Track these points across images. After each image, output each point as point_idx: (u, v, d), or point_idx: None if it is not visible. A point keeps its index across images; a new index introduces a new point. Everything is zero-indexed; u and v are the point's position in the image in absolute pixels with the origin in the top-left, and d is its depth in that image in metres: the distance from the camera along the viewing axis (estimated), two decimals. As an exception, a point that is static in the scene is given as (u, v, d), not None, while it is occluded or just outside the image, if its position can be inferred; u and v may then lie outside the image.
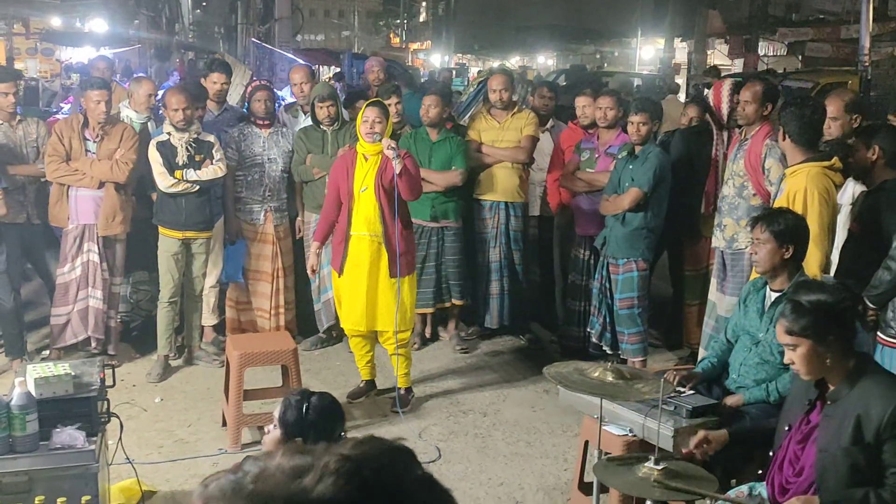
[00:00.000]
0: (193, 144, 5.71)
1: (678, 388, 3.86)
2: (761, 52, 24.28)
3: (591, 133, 6.28)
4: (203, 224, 5.87)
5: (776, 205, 4.39)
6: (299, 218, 6.42)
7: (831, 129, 4.73)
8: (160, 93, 6.43)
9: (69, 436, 3.46)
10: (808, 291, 3.01)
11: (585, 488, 4.14)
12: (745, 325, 3.98)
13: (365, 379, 5.58)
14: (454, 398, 5.66)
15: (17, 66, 17.73)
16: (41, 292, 6.83)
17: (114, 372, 3.89)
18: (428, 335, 6.66)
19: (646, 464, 3.09)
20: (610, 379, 3.34)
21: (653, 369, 5.18)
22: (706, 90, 12.10)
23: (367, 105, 5.24)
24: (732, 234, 5.23)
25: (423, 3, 53.04)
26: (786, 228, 3.76)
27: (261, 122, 6.20)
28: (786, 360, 3.03)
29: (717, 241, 5.35)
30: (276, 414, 2.94)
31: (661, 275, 6.84)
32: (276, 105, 6.61)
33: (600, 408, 3.48)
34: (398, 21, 53.85)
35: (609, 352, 5.78)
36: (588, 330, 5.98)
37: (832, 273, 4.38)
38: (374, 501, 0.91)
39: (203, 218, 5.85)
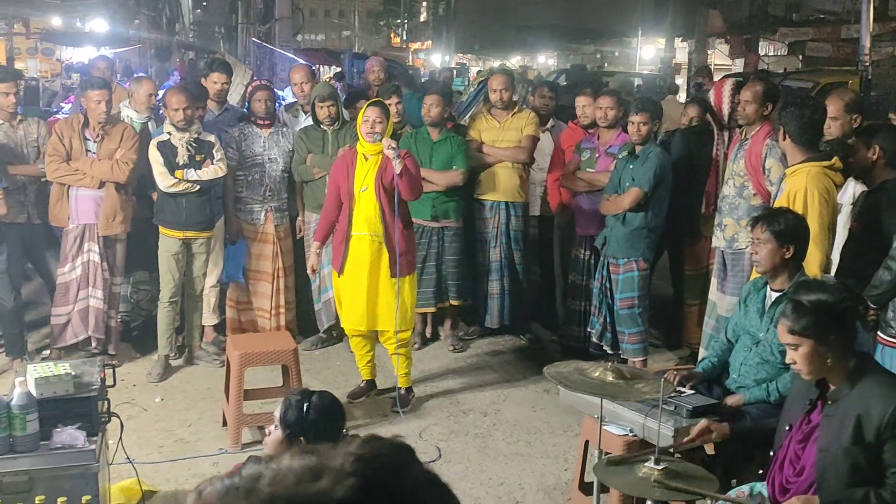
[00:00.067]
0: (194, 144, 5.71)
1: (678, 388, 3.86)
2: (762, 51, 24.27)
3: (591, 133, 6.28)
4: (203, 224, 5.87)
5: (776, 204, 4.39)
6: (300, 218, 6.42)
7: (831, 129, 4.73)
8: (161, 93, 6.43)
9: (69, 435, 3.46)
10: (809, 291, 3.01)
11: (586, 488, 4.14)
12: (746, 324, 3.98)
13: (365, 379, 5.58)
14: (454, 398, 5.66)
15: (18, 65, 17.72)
16: (41, 292, 6.83)
17: (114, 372, 3.89)
18: (428, 335, 6.66)
19: (646, 464, 3.09)
20: (610, 379, 3.34)
21: (653, 369, 5.18)
22: (697, 91, 12.12)
23: (368, 105, 5.24)
24: (733, 233, 5.23)
25: (424, 3, 53.06)
26: (786, 228, 3.76)
27: (261, 122, 6.21)
28: (787, 360, 3.03)
29: (718, 240, 5.34)
30: (277, 414, 2.94)
31: (662, 275, 6.84)
32: (277, 105, 6.62)
33: (601, 408, 3.48)
34: (399, 21, 53.85)
35: (609, 352, 5.78)
36: (588, 330, 5.98)
37: (832, 273, 4.38)
38: (390, 500, 0.92)
39: (203, 218, 5.86)
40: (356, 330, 5.36)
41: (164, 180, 5.66)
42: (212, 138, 5.83)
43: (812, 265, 4.08)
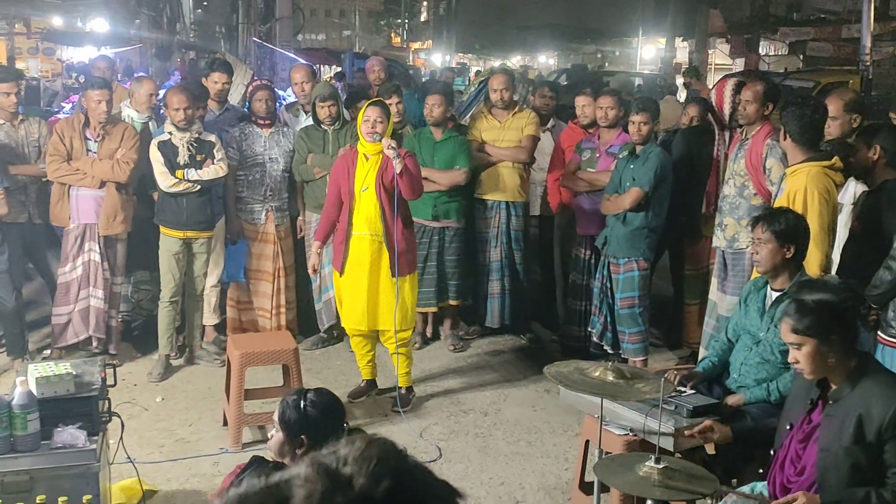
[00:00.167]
0: (195, 144, 5.72)
1: (679, 388, 3.86)
2: (762, 51, 24.29)
3: (591, 133, 6.28)
4: (204, 224, 5.87)
5: (776, 204, 4.39)
6: (300, 217, 6.43)
7: (831, 129, 4.73)
8: (161, 92, 6.43)
9: (70, 435, 3.46)
10: (812, 290, 3.02)
11: (586, 488, 4.14)
12: (746, 324, 3.98)
13: (366, 378, 5.58)
14: (455, 397, 5.66)
15: (19, 65, 17.72)
16: (42, 292, 6.83)
17: (115, 371, 3.89)
18: (429, 335, 6.66)
19: (646, 463, 3.09)
20: (611, 378, 3.34)
21: (653, 369, 5.18)
22: (687, 91, 12.12)
23: (368, 105, 5.24)
24: (733, 233, 5.23)
25: (425, 3, 53.05)
26: (787, 228, 3.76)
27: (262, 122, 6.21)
28: (790, 360, 3.03)
29: (718, 240, 5.34)
30: (276, 416, 2.95)
31: (662, 274, 6.84)
32: (277, 104, 6.62)
33: (601, 407, 3.48)
34: (399, 20, 53.86)
35: (610, 351, 5.78)
36: (589, 329, 5.98)
37: (833, 273, 4.38)
38: (408, 496, 0.97)
39: (204, 217, 5.86)
40: (357, 329, 5.36)
41: (164, 180, 5.67)
42: (212, 138, 5.83)
43: (812, 265, 4.08)
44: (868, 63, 16.52)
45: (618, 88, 8.87)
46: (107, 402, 3.72)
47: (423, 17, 54.34)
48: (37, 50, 21.06)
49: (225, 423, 5.03)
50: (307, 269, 5.71)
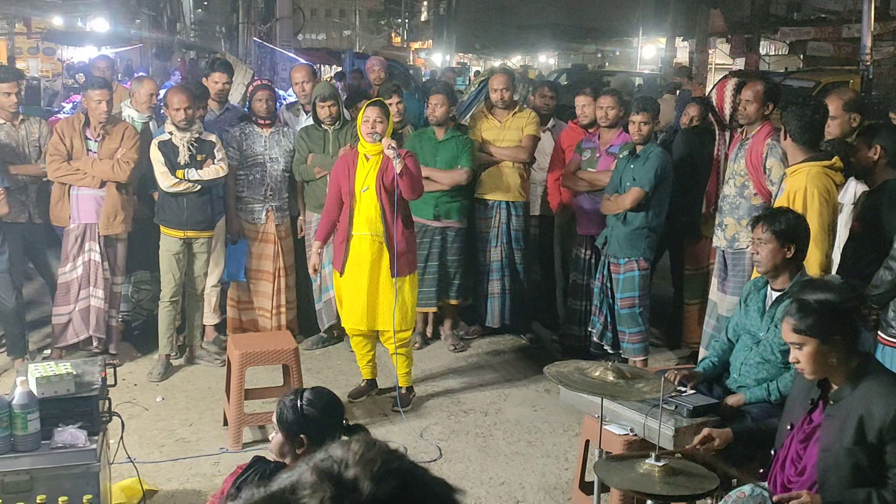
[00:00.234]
0: (195, 144, 5.72)
1: (679, 388, 3.86)
2: (763, 51, 24.27)
3: (591, 132, 6.28)
4: (204, 223, 5.87)
5: (776, 204, 4.39)
6: (301, 217, 6.43)
7: (830, 128, 4.72)
8: (162, 92, 6.44)
9: (71, 435, 3.46)
10: (814, 290, 3.01)
11: (586, 487, 4.14)
12: (746, 324, 3.98)
13: (366, 378, 5.58)
14: (455, 397, 5.66)
15: (19, 65, 17.72)
16: (43, 292, 6.84)
17: (115, 371, 3.90)
18: (429, 334, 6.66)
19: (646, 461, 3.09)
20: (611, 378, 3.34)
21: (654, 369, 5.17)
22: (678, 91, 12.12)
23: (368, 105, 5.24)
24: (733, 233, 5.23)
25: (425, 3, 53.01)
26: (787, 228, 3.76)
27: (262, 122, 6.21)
28: (791, 359, 3.03)
29: (718, 240, 5.34)
30: (275, 418, 2.95)
31: (662, 274, 6.84)
32: (278, 104, 6.62)
33: (601, 407, 3.48)
34: (399, 20, 53.84)
35: (610, 351, 5.78)
36: (589, 329, 5.99)
37: (833, 273, 4.38)
38: (412, 497, 0.98)
39: (204, 217, 5.86)
40: (357, 329, 5.36)
41: (165, 180, 5.67)
42: (213, 138, 5.83)
43: (812, 265, 4.08)
44: (868, 63, 16.51)
45: (618, 88, 8.86)
46: (107, 401, 3.72)
47: (423, 17, 54.30)
48: (37, 50, 21.08)
49: (225, 423, 5.03)
50: (307, 269, 5.71)
